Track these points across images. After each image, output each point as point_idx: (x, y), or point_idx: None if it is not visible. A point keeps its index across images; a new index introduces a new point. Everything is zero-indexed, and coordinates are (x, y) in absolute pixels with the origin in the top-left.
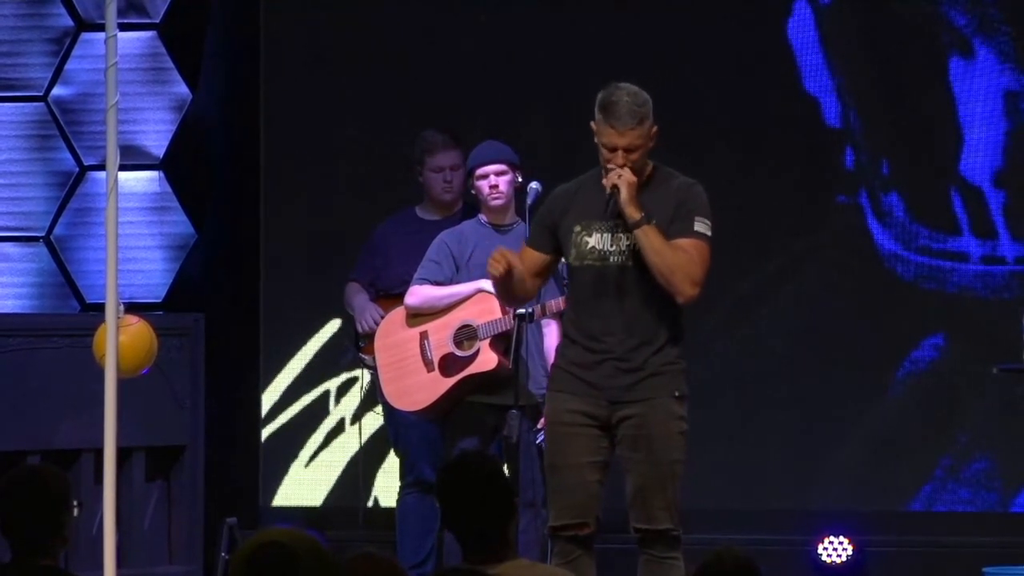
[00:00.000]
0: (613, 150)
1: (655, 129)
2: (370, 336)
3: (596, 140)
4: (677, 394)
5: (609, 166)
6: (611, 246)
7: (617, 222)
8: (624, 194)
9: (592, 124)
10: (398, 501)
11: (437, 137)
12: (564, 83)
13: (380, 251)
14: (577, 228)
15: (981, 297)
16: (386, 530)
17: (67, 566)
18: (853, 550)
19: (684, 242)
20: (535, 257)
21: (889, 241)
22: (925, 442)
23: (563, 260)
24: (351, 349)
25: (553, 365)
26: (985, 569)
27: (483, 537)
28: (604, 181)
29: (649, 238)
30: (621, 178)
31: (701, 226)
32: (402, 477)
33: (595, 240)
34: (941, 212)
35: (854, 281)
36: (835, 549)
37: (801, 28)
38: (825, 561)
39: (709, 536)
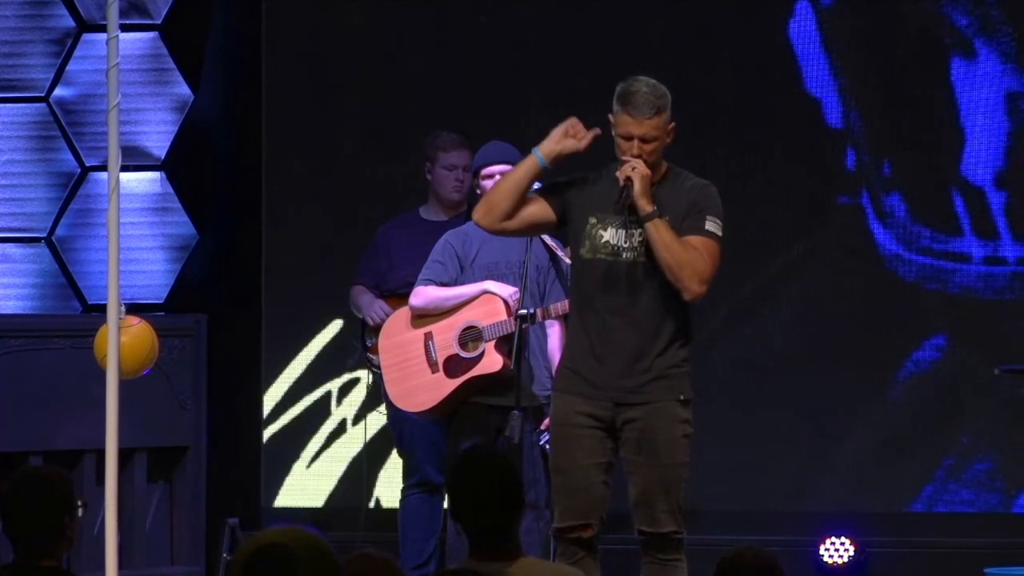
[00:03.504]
0: (629, 139)
1: (672, 125)
2: (380, 330)
3: (613, 132)
4: (682, 397)
5: (624, 157)
6: (624, 242)
7: (631, 218)
8: (637, 187)
9: (610, 116)
10: (401, 502)
11: (452, 136)
12: (564, 84)
13: (384, 253)
14: (592, 220)
15: (983, 298)
16: (388, 531)
17: (69, 567)
18: (855, 551)
19: (694, 239)
20: (539, 202)
21: (891, 242)
22: (927, 443)
23: (568, 261)
24: (358, 349)
25: (559, 365)
26: (987, 570)
27: (492, 532)
28: (618, 173)
29: (660, 232)
30: (635, 171)
31: (712, 225)
32: (405, 478)
33: (609, 235)
34: (943, 213)
35: (855, 282)
36: (837, 550)
37: (802, 28)
38: (827, 562)
39: (711, 537)
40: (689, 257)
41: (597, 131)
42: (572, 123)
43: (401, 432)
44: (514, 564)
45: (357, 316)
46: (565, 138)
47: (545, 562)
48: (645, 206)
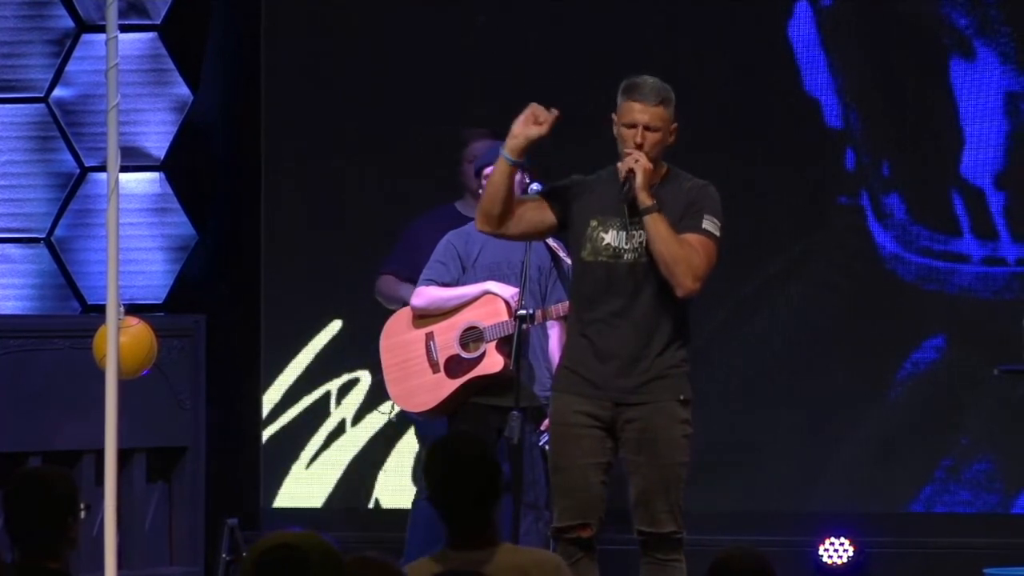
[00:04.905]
0: (632, 127)
1: (675, 125)
2: None
3: (615, 129)
4: (682, 397)
5: (627, 150)
6: (625, 243)
7: (632, 219)
8: (639, 179)
9: (613, 115)
10: (413, 503)
11: (472, 130)
12: (565, 83)
13: (416, 246)
14: (594, 223)
15: (982, 298)
16: (387, 531)
17: (67, 567)
18: (854, 551)
19: (690, 237)
20: (540, 205)
21: (890, 242)
22: (926, 443)
23: (569, 262)
24: None
25: (558, 364)
26: (986, 570)
27: (469, 520)
28: (620, 165)
29: (658, 226)
30: (638, 163)
31: (710, 224)
32: (416, 480)
33: (611, 237)
34: (942, 213)
35: (855, 282)
36: (836, 550)
37: (802, 28)
38: (826, 562)
39: (710, 537)
40: (684, 252)
41: (556, 112)
42: (531, 111)
43: (423, 432)
44: (491, 550)
45: (388, 308)
46: (526, 127)
47: (523, 548)
48: (645, 199)
